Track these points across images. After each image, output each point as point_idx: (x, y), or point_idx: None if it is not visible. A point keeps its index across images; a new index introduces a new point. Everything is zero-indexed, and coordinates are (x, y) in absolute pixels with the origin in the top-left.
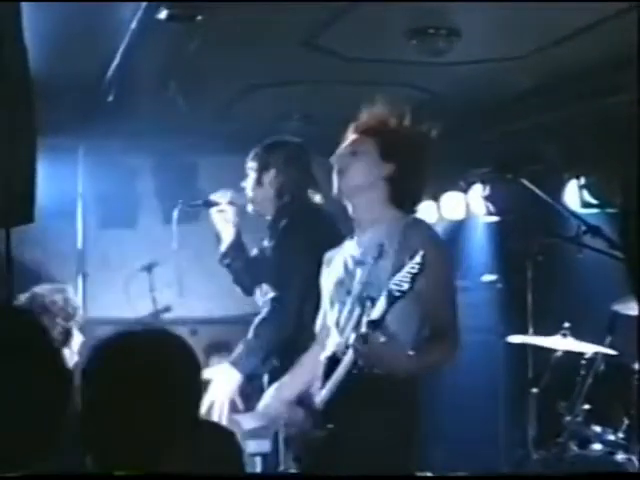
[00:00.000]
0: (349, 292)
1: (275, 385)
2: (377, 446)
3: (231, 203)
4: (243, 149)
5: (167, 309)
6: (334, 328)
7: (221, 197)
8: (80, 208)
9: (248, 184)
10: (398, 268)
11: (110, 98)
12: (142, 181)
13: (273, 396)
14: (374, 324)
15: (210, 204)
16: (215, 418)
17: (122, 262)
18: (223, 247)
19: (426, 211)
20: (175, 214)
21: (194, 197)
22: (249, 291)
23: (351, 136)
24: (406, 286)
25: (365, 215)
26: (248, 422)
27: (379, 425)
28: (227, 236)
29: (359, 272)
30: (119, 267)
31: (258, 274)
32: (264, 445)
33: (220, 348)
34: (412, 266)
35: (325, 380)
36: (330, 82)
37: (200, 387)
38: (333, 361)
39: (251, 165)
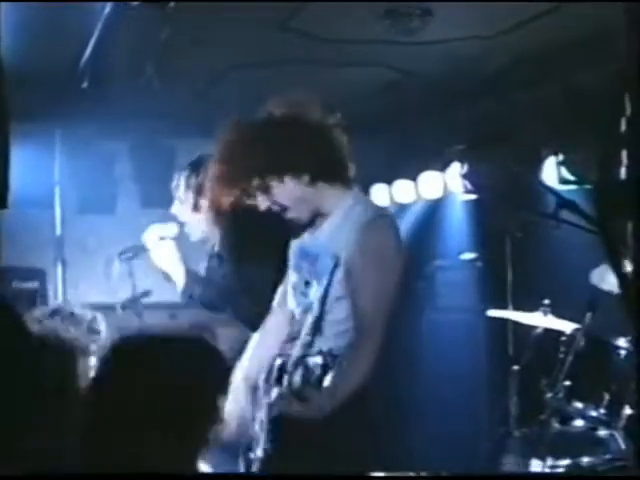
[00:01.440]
0: (307, 283)
1: (241, 365)
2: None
3: (162, 238)
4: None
5: (147, 293)
6: (291, 313)
7: (150, 235)
8: (58, 194)
9: (182, 211)
10: (347, 272)
11: (85, 84)
12: (120, 166)
13: (242, 380)
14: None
15: (143, 249)
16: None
17: (101, 247)
18: (179, 286)
19: (404, 191)
20: (116, 265)
21: (172, 180)
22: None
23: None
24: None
25: (307, 217)
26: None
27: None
28: (177, 273)
29: (315, 265)
30: (98, 252)
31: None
32: None
33: (200, 332)
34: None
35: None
36: (305, 63)
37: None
38: (283, 371)
39: (181, 189)
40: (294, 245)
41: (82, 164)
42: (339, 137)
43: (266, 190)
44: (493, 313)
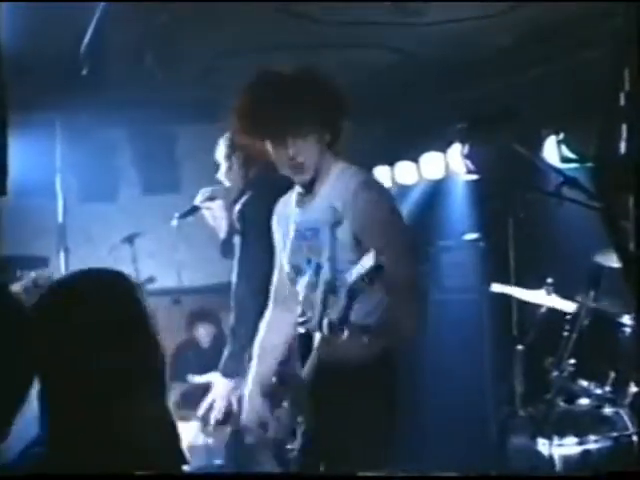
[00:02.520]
0: (309, 261)
1: (251, 371)
2: (357, 433)
3: (211, 198)
4: (220, 117)
5: (150, 280)
6: (299, 296)
7: (202, 195)
8: (59, 183)
9: (221, 172)
10: (355, 238)
11: (84, 71)
12: (120, 153)
13: (254, 384)
14: (337, 322)
15: (197, 208)
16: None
17: (104, 235)
18: (220, 242)
19: (406, 172)
20: (175, 222)
21: (172, 167)
22: None
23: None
24: (364, 284)
25: (312, 174)
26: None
27: (358, 413)
28: (220, 231)
29: (316, 240)
30: (101, 240)
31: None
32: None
33: (204, 316)
34: (367, 267)
35: (302, 359)
36: (306, 46)
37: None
38: (307, 339)
39: (221, 153)
40: (288, 230)
41: (83, 152)
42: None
43: (302, 137)
44: (497, 289)
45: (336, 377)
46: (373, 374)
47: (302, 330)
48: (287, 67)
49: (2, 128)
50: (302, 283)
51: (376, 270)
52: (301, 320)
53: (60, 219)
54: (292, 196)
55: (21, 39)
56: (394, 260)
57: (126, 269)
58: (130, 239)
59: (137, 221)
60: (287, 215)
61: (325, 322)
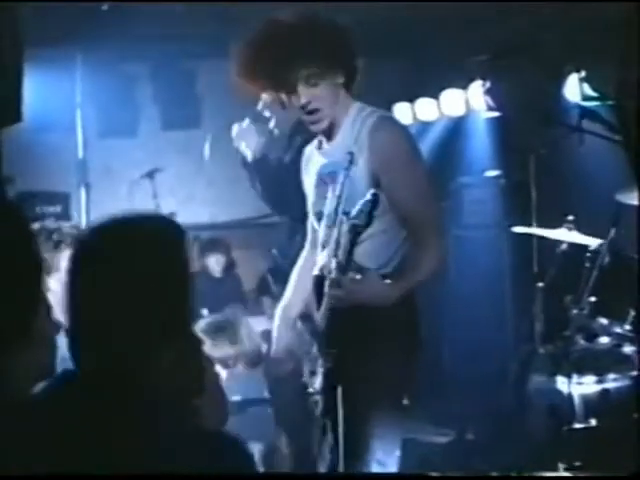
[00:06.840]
0: (329, 205)
1: (281, 305)
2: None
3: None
4: None
5: (171, 215)
6: (320, 240)
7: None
8: (79, 118)
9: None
10: (371, 178)
11: (105, 6)
12: (141, 88)
13: (281, 319)
14: (344, 264)
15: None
16: None
17: (124, 170)
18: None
19: (426, 109)
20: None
21: (193, 103)
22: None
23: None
24: (364, 222)
25: (328, 120)
26: (260, 324)
27: (380, 347)
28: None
29: (335, 184)
30: (121, 176)
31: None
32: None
33: (215, 246)
34: (365, 203)
35: (318, 301)
36: None
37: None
38: (320, 281)
39: None
40: (312, 173)
41: (103, 88)
42: None
43: (313, 82)
44: (518, 229)
45: (354, 318)
46: (395, 314)
47: (316, 272)
48: (287, 15)
49: (18, 56)
50: (322, 227)
51: (373, 202)
52: (320, 264)
53: (80, 154)
54: (313, 153)
55: None
56: (413, 195)
57: (147, 205)
58: (150, 175)
59: (157, 156)
60: (312, 159)
61: (333, 263)
